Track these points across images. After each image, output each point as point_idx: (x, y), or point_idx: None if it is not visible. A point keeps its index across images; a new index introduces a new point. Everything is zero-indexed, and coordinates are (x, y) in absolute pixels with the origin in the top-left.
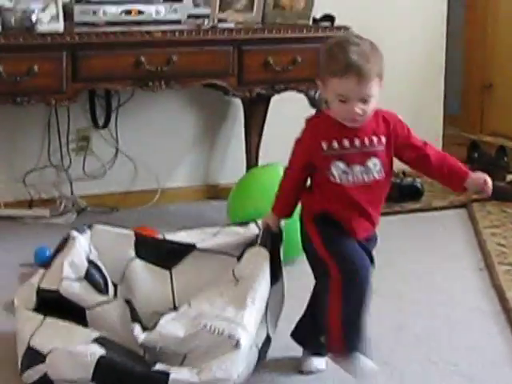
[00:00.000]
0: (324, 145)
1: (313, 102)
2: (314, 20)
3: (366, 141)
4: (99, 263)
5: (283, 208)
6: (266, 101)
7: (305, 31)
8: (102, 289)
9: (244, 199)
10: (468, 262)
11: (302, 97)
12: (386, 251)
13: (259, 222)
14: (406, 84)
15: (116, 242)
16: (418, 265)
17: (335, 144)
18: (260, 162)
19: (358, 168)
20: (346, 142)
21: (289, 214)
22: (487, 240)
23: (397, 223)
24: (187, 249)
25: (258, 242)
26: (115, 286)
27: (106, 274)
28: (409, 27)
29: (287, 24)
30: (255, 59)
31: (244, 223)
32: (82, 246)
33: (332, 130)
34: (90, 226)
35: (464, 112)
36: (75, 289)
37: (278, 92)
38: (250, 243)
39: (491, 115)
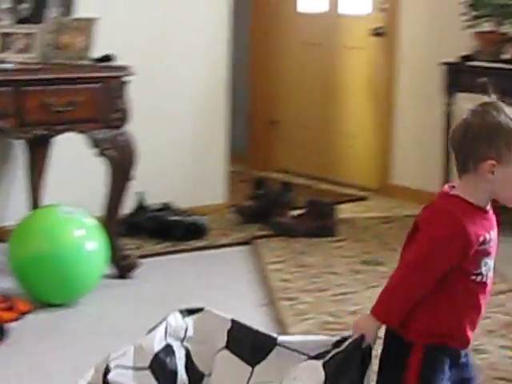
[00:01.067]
0: (480, 238)
1: (94, 143)
2: (95, 60)
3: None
4: (181, 350)
5: (396, 316)
6: (47, 142)
7: (83, 72)
8: (164, 378)
9: (24, 241)
10: (252, 299)
11: (83, 137)
12: (171, 289)
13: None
14: (190, 123)
15: (214, 328)
16: (202, 303)
17: (487, 235)
18: (44, 203)
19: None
20: (492, 233)
21: (396, 324)
22: (271, 276)
23: (182, 261)
24: (270, 343)
25: (330, 355)
26: (202, 376)
27: (177, 362)
28: (191, 65)
29: (66, 64)
30: (34, 100)
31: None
32: (170, 328)
33: (478, 218)
34: (199, 309)
35: (251, 149)
36: (125, 377)
37: (58, 133)
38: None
39: (278, 152)
